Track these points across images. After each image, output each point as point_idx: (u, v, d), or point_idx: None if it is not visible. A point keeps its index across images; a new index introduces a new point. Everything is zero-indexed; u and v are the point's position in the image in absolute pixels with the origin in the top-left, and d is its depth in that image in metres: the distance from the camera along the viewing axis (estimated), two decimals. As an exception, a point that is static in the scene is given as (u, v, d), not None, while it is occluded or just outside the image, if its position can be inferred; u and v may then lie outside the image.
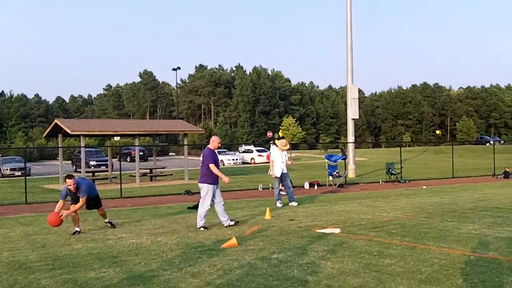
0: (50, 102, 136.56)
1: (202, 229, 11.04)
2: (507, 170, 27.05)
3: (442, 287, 6.16)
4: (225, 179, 11.31)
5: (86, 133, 25.91)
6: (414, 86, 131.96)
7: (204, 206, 11.19)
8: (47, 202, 18.16)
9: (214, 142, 11.57)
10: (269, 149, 29.71)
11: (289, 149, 19.18)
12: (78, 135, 25.91)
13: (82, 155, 25.97)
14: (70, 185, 10.80)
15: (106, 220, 11.75)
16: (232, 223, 11.43)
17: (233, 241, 9.06)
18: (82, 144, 25.81)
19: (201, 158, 11.63)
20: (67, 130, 25.14)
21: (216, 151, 11.67)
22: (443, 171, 31.00)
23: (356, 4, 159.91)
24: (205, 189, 11.19)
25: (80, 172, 27.36)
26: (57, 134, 28.50)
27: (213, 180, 11.26)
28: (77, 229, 11.05)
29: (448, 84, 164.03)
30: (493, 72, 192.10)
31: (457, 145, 74.85)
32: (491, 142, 74.75)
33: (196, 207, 15.04)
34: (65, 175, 11.69)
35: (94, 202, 11.41)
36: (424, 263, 7.36)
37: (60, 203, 10.90)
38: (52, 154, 60.09)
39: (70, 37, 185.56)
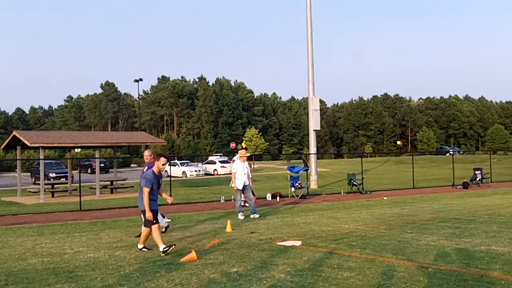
0: (10, 113, 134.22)
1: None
2: (465, 180, 27.53)
3: (400, 300, 6.17)
4: None
5: (45, 145, 25.42)
6: (375, 97, 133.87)
7: None
8: (4, 215, 17.73)
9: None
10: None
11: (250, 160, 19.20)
12: (37, 147, 25.44)
13: (41, 167, 25.51)
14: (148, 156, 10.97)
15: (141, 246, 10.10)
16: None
17: (193, 255, 8.95)
18: (41, 156, 25.34)
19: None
20: (26, 142, 24.63)
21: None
22: (404, 181, 31.38)
23: (317, 16, 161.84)
24: None
25: (39, 184, 26.82)
26: (15, 145, 27.94)
27: None
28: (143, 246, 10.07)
29: (408, 95, 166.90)
30: (452, 83, 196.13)
31: (418, 156, 75.93)
32: (451, 152, 76.09)
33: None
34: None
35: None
36: (383, 276, 7.38)
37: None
38: (11, 166, 58.70)
39: (30, 48, 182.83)
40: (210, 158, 57.31)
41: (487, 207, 16.98)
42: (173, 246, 9.42)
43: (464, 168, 39.25)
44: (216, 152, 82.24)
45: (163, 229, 11.99)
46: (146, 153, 11.50)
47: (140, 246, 10.03)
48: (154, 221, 9.57)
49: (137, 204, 10.27)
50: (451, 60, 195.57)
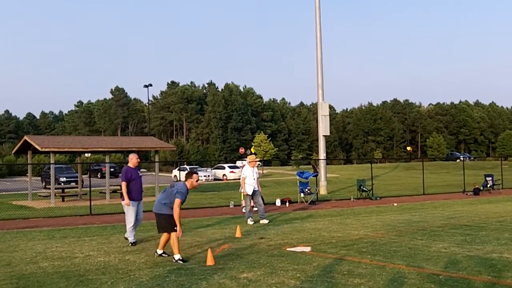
0: (21, 119, 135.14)
1: (131, 244, 11.32)
2: (476, 186, 27.33)
3: (411, 307, 6.13)
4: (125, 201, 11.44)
5: (56, 150, 25.53)
6: (384, 102, 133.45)
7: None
8: (15, 219, 17.82)
9: (132, 159, 11.70)
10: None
11: (259, 166, 19.22)
12: (48, 152, 25.56)
13: (52, 172, 25.64)
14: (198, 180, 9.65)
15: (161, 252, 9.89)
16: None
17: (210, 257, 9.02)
18: (52, 161, 25.46)
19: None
20: (37, 147, 24.78)
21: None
22: (414, 187, 31.25)
23: (326, 21, 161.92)
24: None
25: (49, 188, 26.94)
26: (26, 150, 28.12)
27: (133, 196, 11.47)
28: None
29: (418, 101, 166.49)
30: (462, 88, 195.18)
31: (428, 161, 75.64)
32: (461, 158, 75.69)
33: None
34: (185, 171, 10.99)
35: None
36: (394, 283, 7.34)
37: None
38: (22, 171, 59.11)
39: (41, 53, 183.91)
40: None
41: (498, 214, 16.86)
42: (186, 263, 9.19)
43: (475, 174, 39.07)
44: (225, 159, 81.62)
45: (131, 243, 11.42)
46: (136, 157, 11.76)
47: (159, 251, 9.84)
48: (175, 228, 9.33)
49: (154, 209, 9.70)
50: (461, 66, 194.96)
